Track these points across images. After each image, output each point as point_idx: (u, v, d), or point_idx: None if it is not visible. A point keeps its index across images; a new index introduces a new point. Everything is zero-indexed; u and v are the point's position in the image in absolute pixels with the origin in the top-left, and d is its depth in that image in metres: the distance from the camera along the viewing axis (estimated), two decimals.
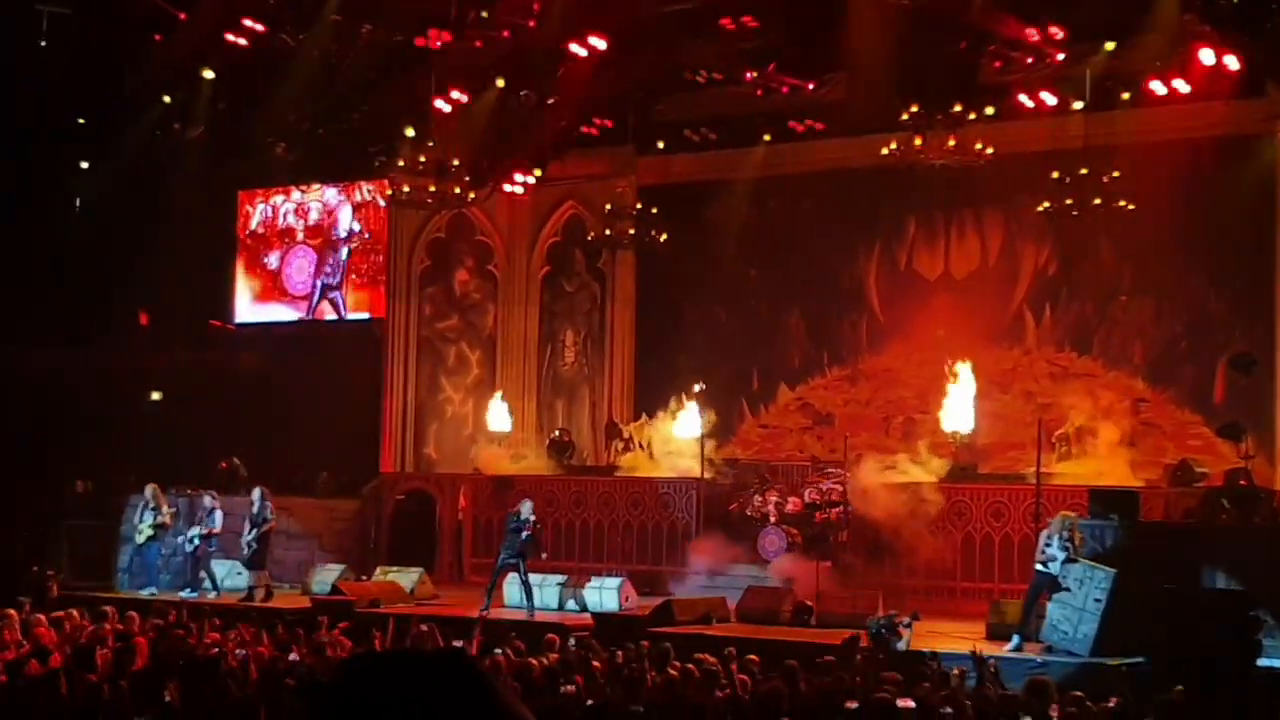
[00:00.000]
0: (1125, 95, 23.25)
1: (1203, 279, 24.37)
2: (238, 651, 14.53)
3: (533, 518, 21.81)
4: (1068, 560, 17.76)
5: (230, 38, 25.25)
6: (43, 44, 26.42)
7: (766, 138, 27.01)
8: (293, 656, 14.77)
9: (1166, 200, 23.65)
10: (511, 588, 21.99)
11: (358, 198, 31.36)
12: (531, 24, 24.69)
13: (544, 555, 22.52)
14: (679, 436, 25.57)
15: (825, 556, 22.44)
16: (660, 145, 28.02)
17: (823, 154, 26.68)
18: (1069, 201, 22.84)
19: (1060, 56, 23.06)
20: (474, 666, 2.56)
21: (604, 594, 21.73)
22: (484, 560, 24.78)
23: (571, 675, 13.04)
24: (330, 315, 31.56)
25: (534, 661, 13.92)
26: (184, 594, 23.33)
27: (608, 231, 27.14)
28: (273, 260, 32.04)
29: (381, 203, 30.36)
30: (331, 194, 31.55)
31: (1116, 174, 22.66)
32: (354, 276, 31.43)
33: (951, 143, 22.11)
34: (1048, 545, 18.02)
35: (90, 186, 30.75)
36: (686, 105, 27.24)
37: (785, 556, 22.97)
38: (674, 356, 28.31)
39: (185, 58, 25.91)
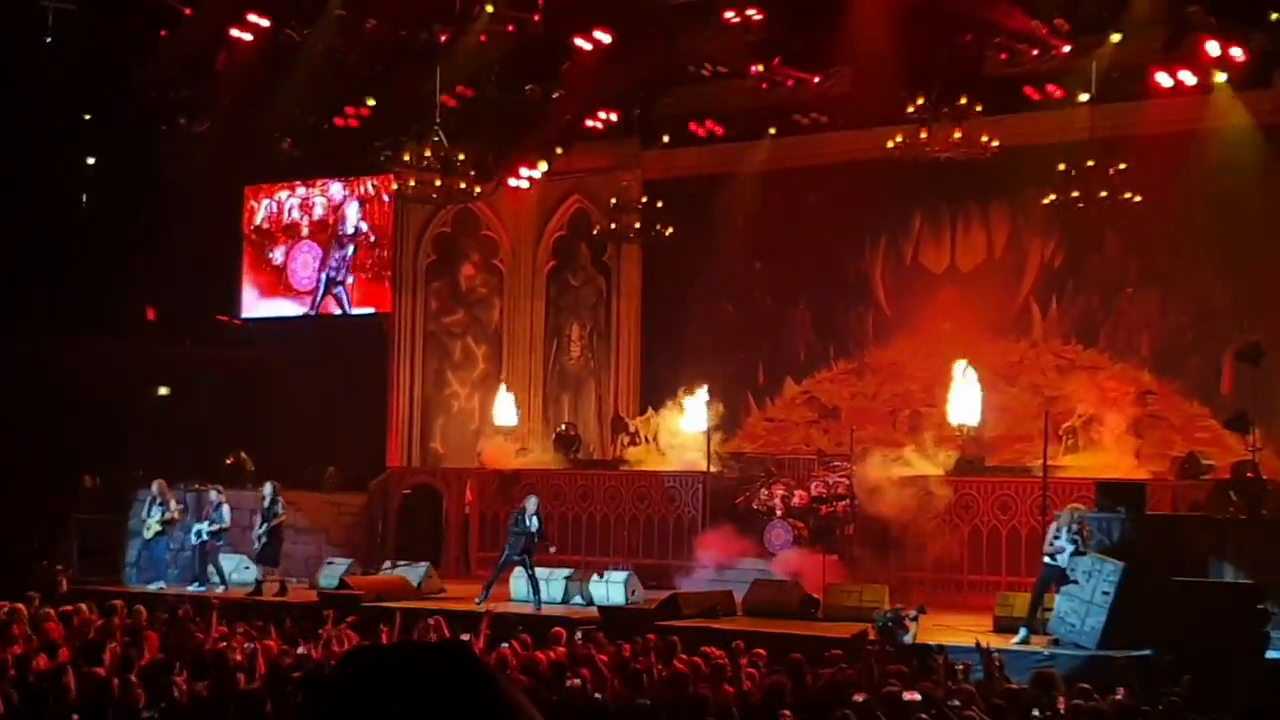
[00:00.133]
0: (1131, 87, 23.21)
1: (1209, 270, 24.34)
2: (245, 646, 14.55)
3: (537, 515, 21.85)
4: (1076, 553, 17.75)
5: (235, 33, 25.26)
6: (48, 40, 26.43)
7: (772, 131, 26.97)
8: (300, 650, 14.80)
9: (1173, 192, 23.62)
10: (518, 582, 22.01)
11: (362, 193, 31.33)
12: (536, 18, 24.68)
13: (552, 549, 22.53)
14: (685, 430, 25.55)
15: (832, 550, 22.43)
16: (665, 139, 28.00)
17: (828, 147, 26.66)
18: (1075, 194, 22.82)
19: (1066, 49, 23.03)
20: (476, 658, 2.56)
21: (610, 587, 21.75)
22: (491, 554, 24.77)
23: (578, 669, 13.05)
24: (335, 311, 31.55)
25: (540, 655, 13.94)
26: (191, 588, 23.37)
27: (613, 225, 27.14)
28: (278, 256, 32.04)
29: (386, 198, 30.37)
30: (336, 189, 31.55)
31: (1123, 166, 22.64)
32: (360, 272, 31.43)
33: (957, 135, 22.08)
34: (1056, 538, 18.02)
35: (96, 182, 30.78)
36: (692, 99, 27.21)
37: (791, 550, 22.96)
38: (680, 350, 28.30)
39: (191, 53, 25.92)
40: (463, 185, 25.89)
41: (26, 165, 28.53)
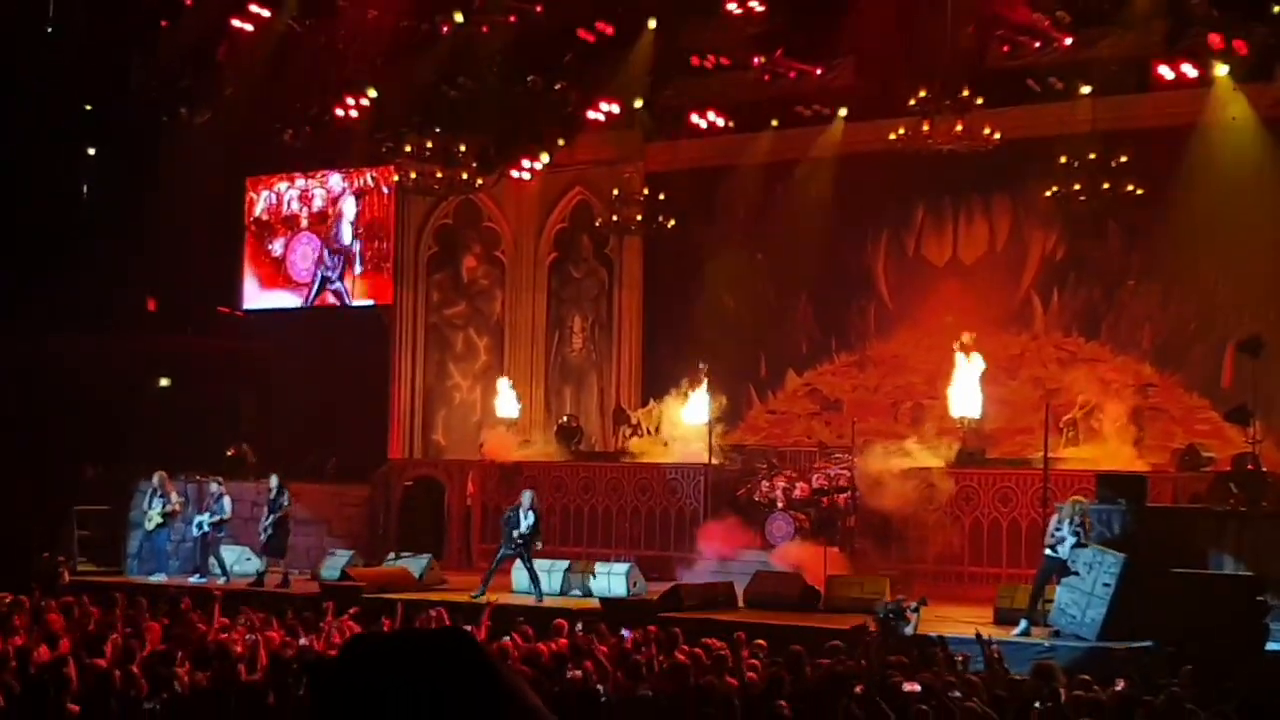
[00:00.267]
0: (1133, 80, 23.21)
1: (1211, 263, 24.32)
2: (247, 637, 14.57)
3: (533, 510, 21.86)
4: (1077, 545, 17.75)
5: (236, 23, 25.25)
6: (49, 31, 26.43)
7: (774, 123, 26.98)
8: (302, 642, 14.81)
9: (1174, 185, 23.62)
10: (519, 574, 22.01)
11: (360, 185, 31.31)
12: (539, 9, 24.67)
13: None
14: (686, 422, 25.55)
15: (833, 542, 22.44)
16: (668, 131, 27.98)
17: (830, 139, 26.64)
18: (1077, 186, 22.83)
19: (1068, 41, 23.02)
20: (477, 645, 2.57)
21: (612, 579, 21.75)
22: (492, 546, 24.74)
23: (579, 660, 13.06)
24: (333, 304, 31.52)
25: (542, 647, 13.95)
26: (193, 580, 23.40)
27: (615, 217, 27.12)
28: (277, 247, 32.03)
29: (386, 190, 30.36)
30: (336, 180, 31.52)
31: (1124, 159, 22.63)
32: (360, 264, 31.40)
33: (959, 128, 22.06)
34: (1058, 529, 18.01)
35: (97, 173, 30.77)
36: (694, 91, 27.19)
37: (793, 542, 22.96)
38: (681, 342, 28.28)
39: (192, 43, 25.91)
40: (464, 177, 25.90)
41: (27, 157, 28.53)
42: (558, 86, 25.87)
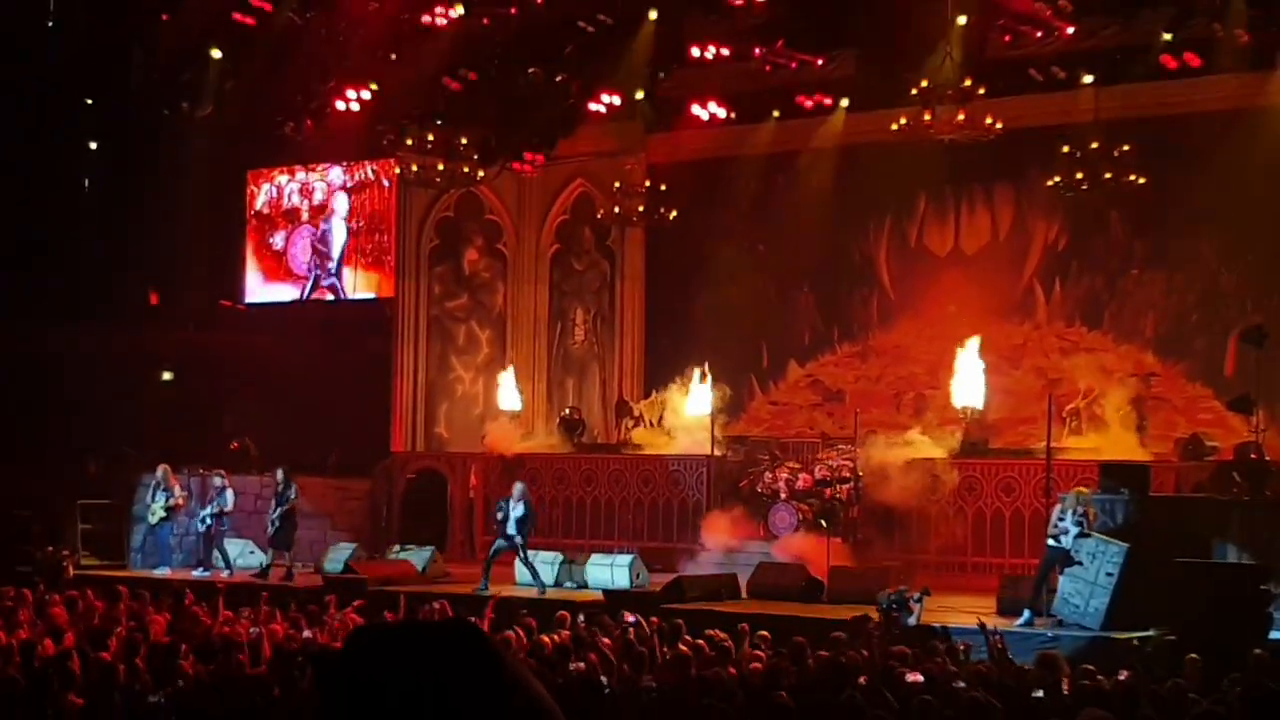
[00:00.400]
0: (1135, 69, 23.19)
1: (1214, 252, 24.33)
2: (251, 630, 14.57)
3: (523, 502, 21.88)
4: (1080, 535, 17.75)
5: (237, 16, 25.22)
6: (50, 24, 26.41)
7: (775, 114, 26.96)
8: (306, 634, 14.82)
9: (1177, 174, 23.61)
10: (521, 567, 21.98)
11: (356, 180, 31.28)
12: (539, 1, 24.64)
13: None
14: (689, 413, 25.55)
15: (836, 532, 22.44)
16: (669, 123, 27.95)
17: (832, 130, 26.62)
18: (1079, 176, 22.80)
19: (1070, 30, 22.99)
20: (482, 635, 2.56)
21: (615, 571, 21.76)
22: (495, 538, 24.78)
23: (582, 652, 13.06)
24: (329, 298, 31.51)
25: (545, 639, 13.95)
26: (196, 573, 23.41)
27: (617, 209, 27.09)
28: (278, 241, 32.02)
29: (387, 183, 30.35)
30: (337, 173, 31.50)
31: (1127, 148, 22.61)
32: (360, 257, 31.40)
33: (961, 117, 22.04)
34: (1061, 519, 18.01)
35: (99, 166, 30.75)
36: (695, 82, 27.16)
37: (796, 533, 22.96)
38: (684, 334, 28.30)
39: (193, 36, 25.89)
40: (465, 169, 25.87)
41: (29, 150, 28.52)
42: (559, 78, 25.85)
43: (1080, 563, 17.58)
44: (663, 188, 26.84)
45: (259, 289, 32.17)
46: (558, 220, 30.25)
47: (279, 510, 23.61)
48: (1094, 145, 22.65)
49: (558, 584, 21.91)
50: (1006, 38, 23.25)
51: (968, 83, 21.69)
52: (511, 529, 21.84)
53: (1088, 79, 23.51)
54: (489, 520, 26.42)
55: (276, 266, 32.04)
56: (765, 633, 14.97)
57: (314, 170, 31.57)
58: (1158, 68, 22.93)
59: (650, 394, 27.36)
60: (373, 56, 25.85)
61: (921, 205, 26.91)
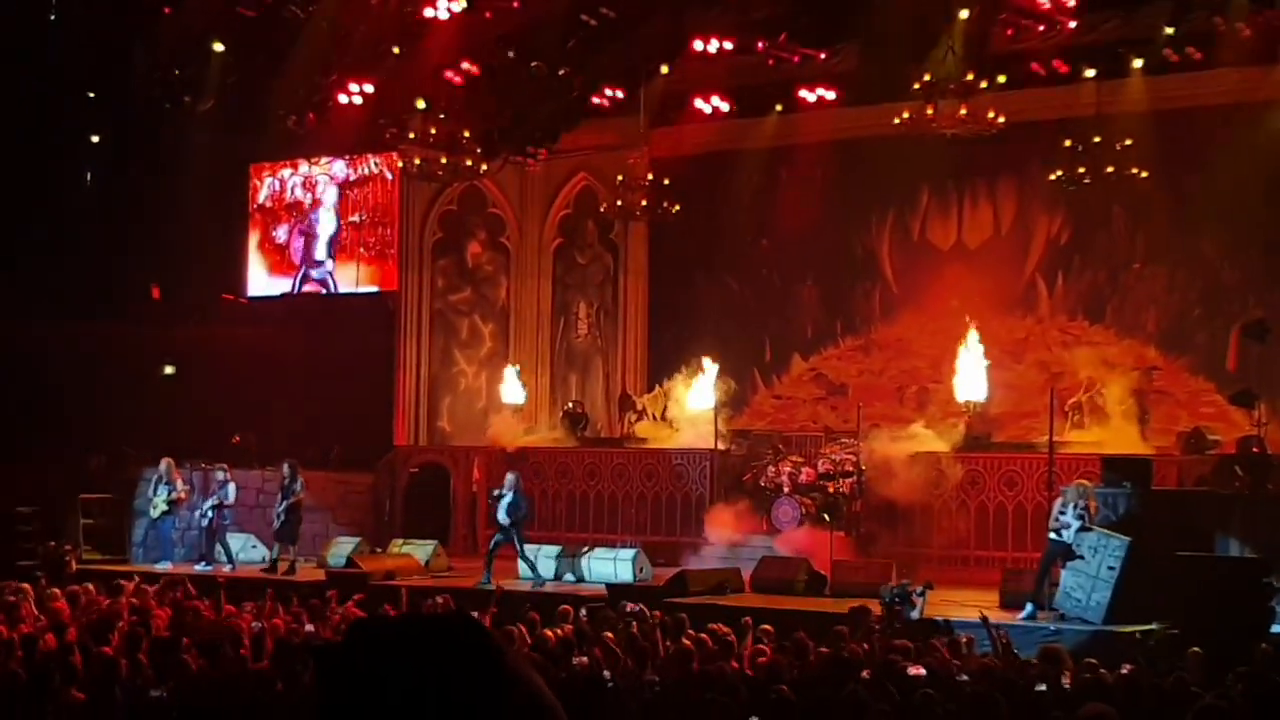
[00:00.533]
0: (1137, 63, 23.17)
1: (1216, 247, 24.32)
2: (253, 625, 14.58)
3: (513, 492, 21.90)
4: (1082, 529, 17.75)
5: (239, 10, 25.20)
6: (52, 17, 26.39)
7: (778, 108, 26.95)
8: (309, 628, 14.83)
9: (1179, 168, 23.61)
10: (523, 561, 22.00)
11: (364, 171, 31.28)
12: None
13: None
14: (692, 408, 25.56)
15: (839, 526, 22.45)
16: (672, 116, 27.93)
17: (835, 123, 26.60)
18: (1081, 170, 22.78)
19: (1072, 24, 22.97)
20: (483, 629, 2.56)
21: (618, 565, 21.76)
22: (496, 532, 24.79)
23: (585, 646, 13.06)
24: (320, 292, 31.51)
25: (549, 633, 13.96)
26: (198, 568, 23.41)
27: (620, 203, 27.06)
28: (281, 234, 32.03)
29: (390, 176, 30.34)
30: (340, 167, 31.50)
31: (1129, 142, 22.59)
32: (363, 250, 31.40)
33: (963, 111, 22.02)
34: (1062, 513, 18.00)
35: (100, 160, 30.74)
36: (698, 75, 27.14)
37: (799, 527, 22.97)
38: (687, 328, 28.30)
39: (195, 30, 25.86)
40: (468, 163, 25.86)
41: (30, 144, 28.51)
42: (561, 72, 25.82)
43: (1082, 557, 17.58)
44: (665, 181, 26.81)
45: (266, 283, 32.16)
46: (560, 214, 30.25)
47: (284, 504, 23.63)
48: (1096, 139, 22.63)
49: (557, 578, 21.92)
50: (1009, 32, 23.22)
51: (970, 77, 21.67)
52: (502, 516, 21.90)
53: (1090, 73, 23.49)
54: (491, 514, 26.47)
55: (281, 260, 32.05)
56: (768, 627, 14.97)
57: (316, 164, 31.57)
58: (1160, 62, 22.91)
59: (653, 388, 27.37)
60: (375, 50, 25.82)
61: (924, 199, 26.91)
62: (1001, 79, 22.82)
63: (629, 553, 22.12)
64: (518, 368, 28.58)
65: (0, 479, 25.28)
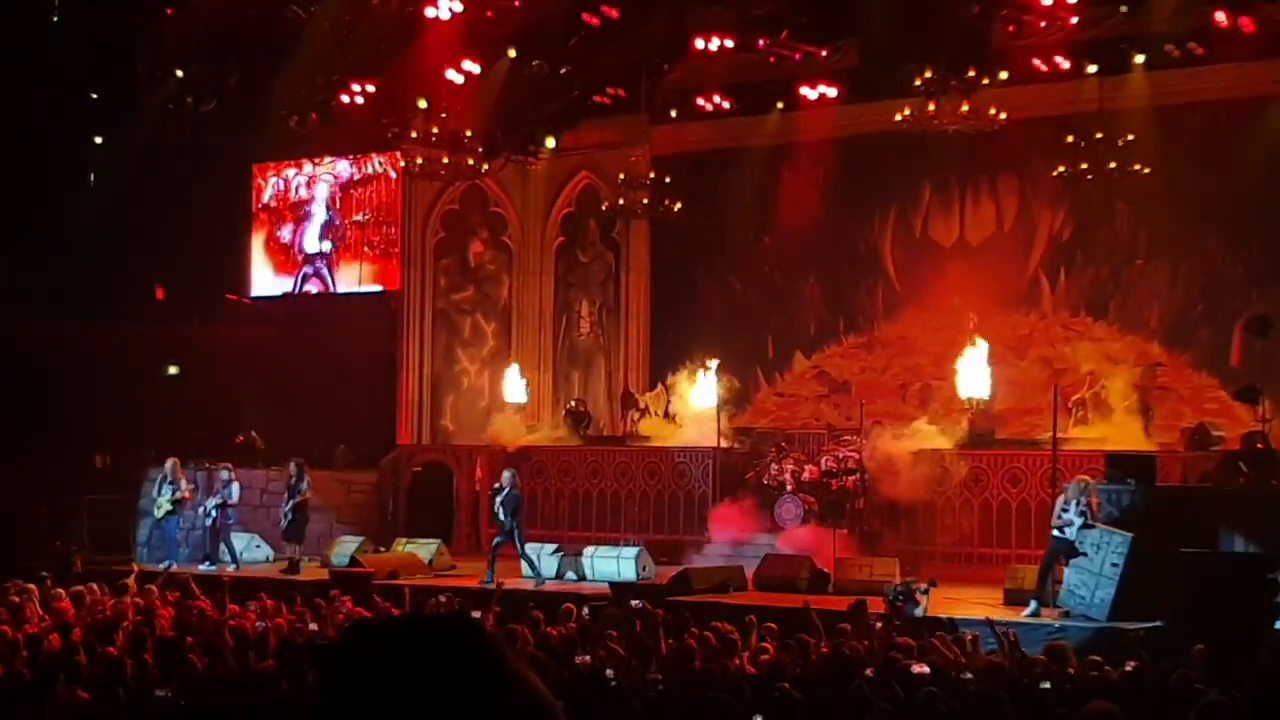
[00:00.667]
0: (1139, 58, 23.16)
1: (1219, 242, 24.29)
2: (257, 624, 14.58)
3: (511, 489, 21.94)
4: (1085, 525, 17.74)
5: (242, 10, 25.22)
6: (55, 19, 26.40)
7: (780, 105, 26.93)
8: (312, 627, 14.83)
9: (1182, 164, 23.58)
10: (523, 561, 22.01)
11: (369, 170, 31.29)
12: None
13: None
14: (695, 406, 25.56)
15: (842, 524, 22.45)
16: (673, 114, 27.92)
17: (836, 121, 26.59)
18: (1084, 166, 22.77)
19: (1074, 20, 22.95)
20: (483, 629, 2.56)
21: (621, 563, 21.76)
22: (498, 531, 24.81)
23: (588, 645, 13.06)
24: (317, 289, 31.53)
25: (552, 631, 13.96)
26: (202, 567, 23.41)
27: (622, 201, 27.08)
28: (286, 234, 32.04)
29: (393, 175, 30.36)
30: (343, 166, 31.51)
31: (1131, 137, 22.58)
32: (367, 249, 31.42)
33: (965, 108, 22.02)
34: (1065, 510, 18.00)
35: (104, 160, 30.75)
36: (699, 73, 27.13)
37: (802, 524, 22.97)
38: (689, 326, 28.29)
39: (197, 30, 25.88)
40: (470, 162, 25.87)
41: (34, 143, 28.52)
42: (563, 71, 25.83)
43: (1085, 554, 17.57)
44: (667, 179, 26.81)
45: (268, 283, 32.18)
46: (563, 212, 30.25)
47: (291, 503, 23.66)
48: (1098, 135, 22.61)
49: (558, 576, 21.93)
50: (1010, 28, 23.20)
51: (972, 73, 21.66)
52: (499, 511, 21.92)
53: (1092, 69, 23.48)
54: (493, 513, 26.48)
55: (285, 260, 32.07)
56: (772, 625, 14.97)
57: (320, 164, 31.59)
58: (1162, 57, 22.89)
59: (656, 386, 27.38)
60: (377, 49, 25.84)
61: (926, 196, 26.88)
62: (1003, 75, 22.82)
63: (632, 551, 22.11)
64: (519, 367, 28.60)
65: (3, 479, 25.29)
